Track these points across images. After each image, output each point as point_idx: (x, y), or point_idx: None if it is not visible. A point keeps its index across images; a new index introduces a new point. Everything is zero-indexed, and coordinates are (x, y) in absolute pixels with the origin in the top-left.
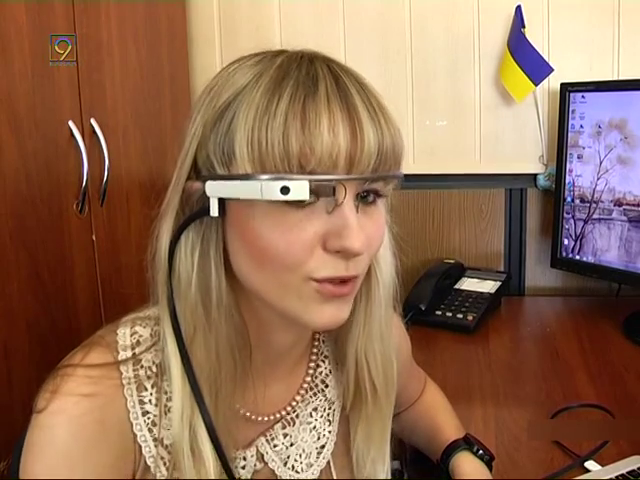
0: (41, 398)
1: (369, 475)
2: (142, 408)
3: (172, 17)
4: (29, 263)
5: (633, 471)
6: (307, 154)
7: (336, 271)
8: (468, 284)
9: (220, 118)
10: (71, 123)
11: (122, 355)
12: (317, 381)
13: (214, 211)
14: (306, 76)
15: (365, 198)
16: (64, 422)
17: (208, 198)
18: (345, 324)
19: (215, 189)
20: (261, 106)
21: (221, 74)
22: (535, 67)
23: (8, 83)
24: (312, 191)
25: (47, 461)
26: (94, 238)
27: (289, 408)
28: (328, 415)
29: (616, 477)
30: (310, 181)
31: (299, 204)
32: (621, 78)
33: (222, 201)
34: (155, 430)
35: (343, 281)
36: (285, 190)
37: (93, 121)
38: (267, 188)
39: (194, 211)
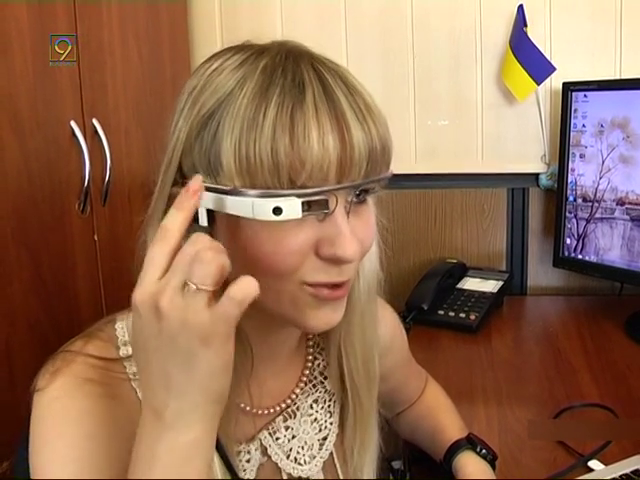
0: (41, 379)
1: (355, 466)
2: None
3: (173, 16)
4: (31, 263)
5: (637, 470)
6: (297, 168)
7: (329, 277)
8: (470, 284)
9: (204, 127)
10: (73, 123)
11: (123, 351)
12: (315, 373)
13: (203, 221)
14: (292, 83)
15: (357, 197)
16: (72, 397)
17: None
18: None
19: (204, 200)
20: (247, 117)
21: (202, 72)
22: (538, 66)
23: (9, 83)
24: (304, 205)
25: (65, 438)
26: (96, 238)
27: (289, 401)
28: (329, 407)
29: (620, 476)
30: (302, 199)
31: None
32: (623, 77)
33: (210, 210)
34: None
35: (336, 285)
36: (278, 211)
37: (95, 121)
38: (259, 207)
39: None
